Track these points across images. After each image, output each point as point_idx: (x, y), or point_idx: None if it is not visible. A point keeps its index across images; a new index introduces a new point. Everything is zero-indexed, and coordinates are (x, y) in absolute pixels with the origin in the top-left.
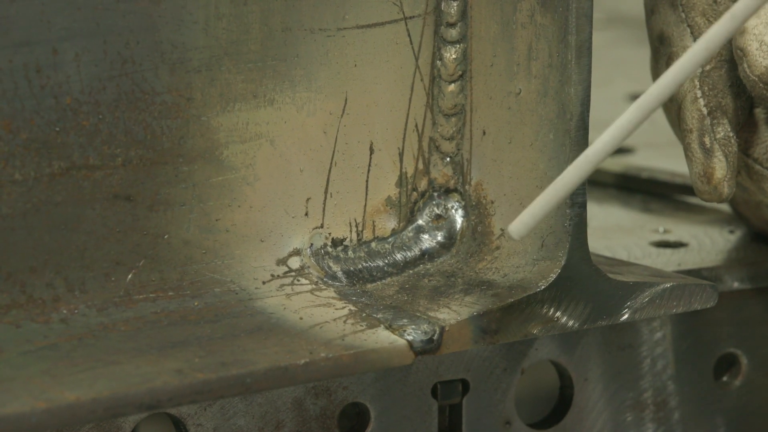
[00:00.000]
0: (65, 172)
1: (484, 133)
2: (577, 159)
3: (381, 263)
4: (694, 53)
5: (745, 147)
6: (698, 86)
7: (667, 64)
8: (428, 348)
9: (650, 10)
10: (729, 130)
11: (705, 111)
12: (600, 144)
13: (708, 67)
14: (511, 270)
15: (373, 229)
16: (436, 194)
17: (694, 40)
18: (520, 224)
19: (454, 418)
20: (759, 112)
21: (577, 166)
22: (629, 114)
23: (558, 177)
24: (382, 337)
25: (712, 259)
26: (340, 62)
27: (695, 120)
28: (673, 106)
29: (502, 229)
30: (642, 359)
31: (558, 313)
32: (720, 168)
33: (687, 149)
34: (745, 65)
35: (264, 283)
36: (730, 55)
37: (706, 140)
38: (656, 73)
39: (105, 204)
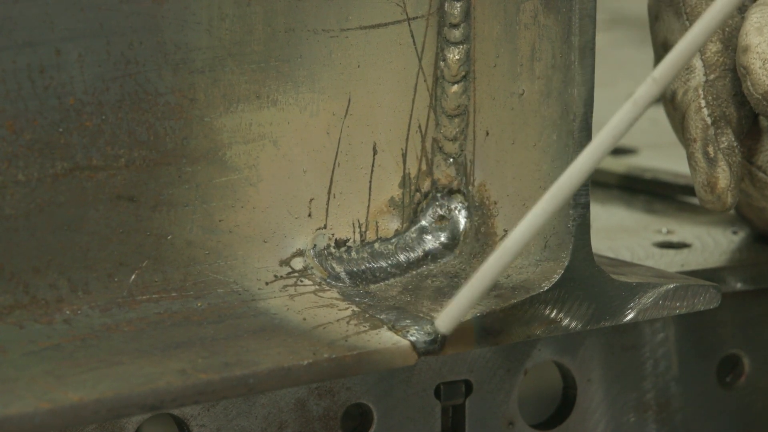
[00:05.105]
0: (68, 173)
1: (487, 133)
2: (495, 252)
3: (384, 264)
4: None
5: (749, 155)
6: (702, 96)
7: None
8: (431, 349)
9: (654, 17)
10: (732, 139)
11: (709, 120)
12: (513, 239)
13: (712, 77)
14: (514, 271)
15: (377, 229)
16: (439, 195)
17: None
18: (447, 318)
19: (457, 419)
20: (763, 120)
21: (497, 258)
22: (541, 205)
23: (480, 268)
24: (386, 338)
25: (715, 260)
26: (344, 63)
27: (699, 129)
28: (677, 115)
29: (505, 230)
30: (645, 360)
31: (561, 314)
32: (723, 178)
33: (690, 158)
34: (749, 83)
35: (267, 283)
36: (734, 65)
37: (710, 150)
38: None
39: (108, 205)
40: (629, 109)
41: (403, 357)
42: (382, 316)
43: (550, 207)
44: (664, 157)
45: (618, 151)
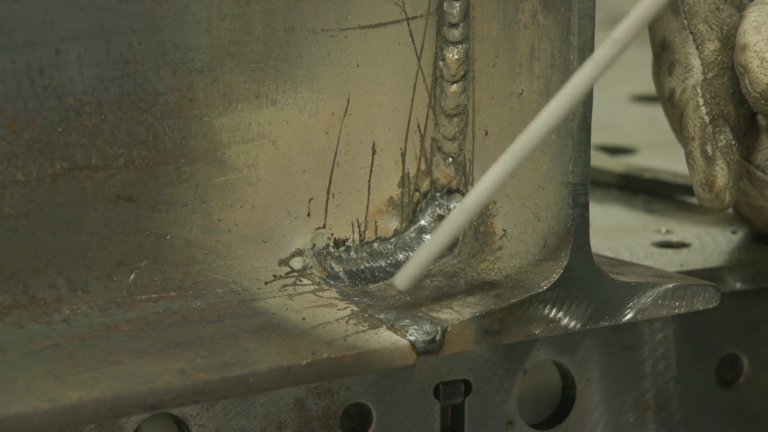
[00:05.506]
0: (68, 173)
1: (487, 133)
2: (452, 212)
3: (383, 263)
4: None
5: (747, 153)
6: (700, 94)
7: (669, 71)
8: (430, 348)
9: None
10: (731, 137)
11: (707, 119)
12: (468, 203)
13: (710, 75)
14: (513, 270)
15: (376, 229)
16: (438, 195)
17: (696, 47)
18: (405, 276)
19: (457, 419)
20: (761, 119)
21: (454, 218)
22: (497, 168)
23: (438, 227)
24: (385, 338)
25: (714, 259)
26: (343, 63)
27: (697, 128)
28: (675, 113)
29: (504, 230)
30: (644, 360)
31: (560, 314)
32: (722, 176)
33: (689, 157)
34: (747, 82)
35: (266, 283)
36: (732, 63)
37: (708, 148)
38: (658, 79)
39: (107, 204)
40: (591, 69)
41: (402, 356)
42: (381, 316)
43: (509, 166)
44: (663, 156)
45: (617, 151)
